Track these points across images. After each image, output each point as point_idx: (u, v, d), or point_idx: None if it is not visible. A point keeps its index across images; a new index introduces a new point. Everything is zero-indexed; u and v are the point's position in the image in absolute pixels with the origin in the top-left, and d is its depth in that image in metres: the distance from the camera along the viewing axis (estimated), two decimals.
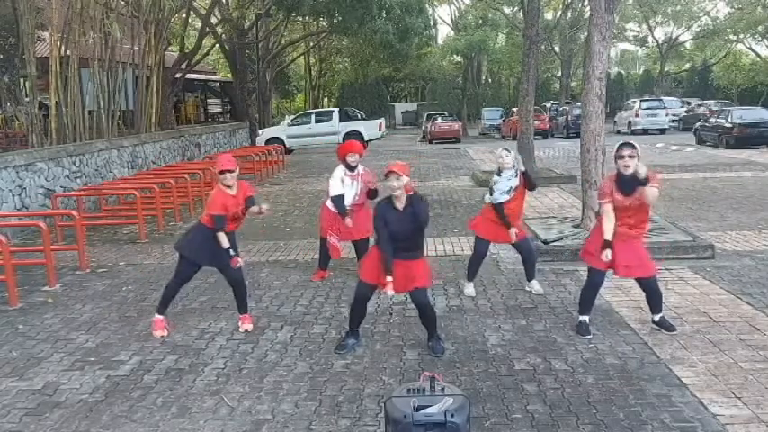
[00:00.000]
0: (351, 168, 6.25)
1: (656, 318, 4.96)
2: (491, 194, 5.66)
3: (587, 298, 4.97)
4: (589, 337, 4.82)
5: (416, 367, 4.41)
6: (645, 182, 4.44)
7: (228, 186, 5.07)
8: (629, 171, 4.51)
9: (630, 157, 4.49)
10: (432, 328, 4.72)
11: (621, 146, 4.57)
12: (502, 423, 3.67)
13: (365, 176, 6.32)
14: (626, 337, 4.84)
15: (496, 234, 5.81)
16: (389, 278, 4.37)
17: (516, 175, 5.62)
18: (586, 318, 4.97)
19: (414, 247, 4.52)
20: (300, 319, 5.51)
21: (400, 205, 4.41)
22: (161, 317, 5.24)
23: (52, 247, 7.19)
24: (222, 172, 5.06)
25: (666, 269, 6.56)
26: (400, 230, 4.39)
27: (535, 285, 6.03)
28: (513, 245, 5.93)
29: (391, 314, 5.54)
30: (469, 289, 6.01)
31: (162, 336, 5.16)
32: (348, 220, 6.27)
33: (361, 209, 6.37)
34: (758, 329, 4.87)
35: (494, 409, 3.82)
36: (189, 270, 5.23)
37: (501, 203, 5.60)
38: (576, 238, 7.45)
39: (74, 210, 8.83)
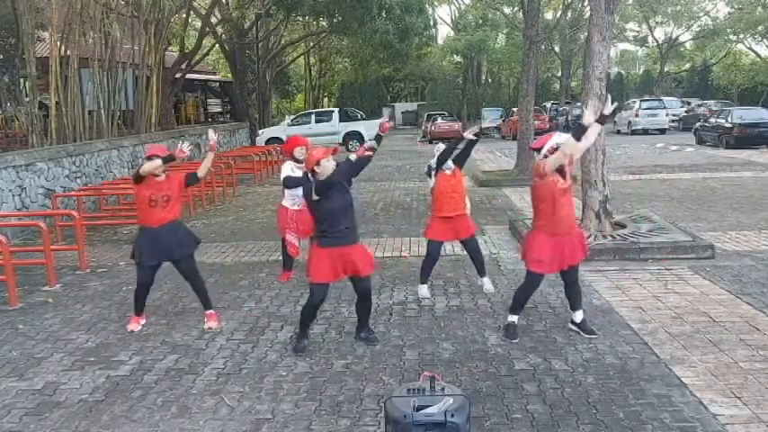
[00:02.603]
0: (298, 161, 6.27)
1: (578, 319, 4.97)
2: (430, 176, 5.82)
3: (520, 300, 4.96)
4: (516, 340, 4.81)
5: (416, 367, 4.41)
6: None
7: (156, 175, 5.15)
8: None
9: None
10: (366, 318, 4.86)
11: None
12: (502, 423, 3.67)
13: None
14: (626, 337, 4.84)
15: (446, 233, 5.84)
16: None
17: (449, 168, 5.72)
18: (515, 319, 4.98)
19: (355, 229, 4.60)
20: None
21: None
22: (137, 316, 5.41)
23: (52, 247, 7.20)
24: (149, 157, 5.13)
25: (666, 269, 6.56)
26: (346, 205, 4.49)
27: (486, 283, 6.07)
28: (461, 242, 5.97)
29: (391, 314, 5.54)
30: (423, 290, 6.01)
31: (133, 330, 5.29)
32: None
33: None
34: (758, 329, 4.87)
35: (494, 409, 3.82)
36: (147, 273, 5.26)
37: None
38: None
39: (74, 210, 8.83)
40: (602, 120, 4.60)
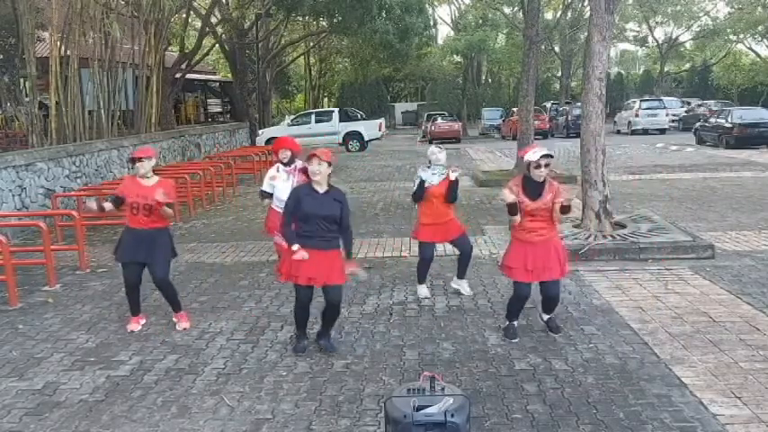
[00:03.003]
0: (285, 164, 6.31)
1: (546, 317, 5.03)
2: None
3: (514, 309, 4.96)
4: (516, 340, 4.81)
5: (416, 367, 4.41)
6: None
7: (141, 176, 5.14)
8: (542, 179, 4.62)
9: (546, 166, 4.58)
10: (330, 326, 4.80)
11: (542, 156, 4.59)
12: (502, 423, 3.67)
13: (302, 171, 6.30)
14: (626, 337, 4.84)
15: (435, 235, 5.81)
16: (295, 246, 4.37)
17: (441, 174, 5.64)
18: (515, 322, 4.98)
19: (330, 236, 4.51)
20: None
21: (320, 189, 4.48)
22: (134, 317, 5.43)
23: (52, 247, 7.20)
24: (132, 160, 5.13)
25: (666, 269, 6.56)
26: (318, 212, 4.42)
27: (464, 285, 6.05)
28: (452, 242, 5.96)
29: (391, 314, 5.54)
30: (423, 290, 6.01)
31: (133, 330, 5.30)
32: (267, 201, 6.43)
33: None
34: (758, 329, 4.87)
35: (494, 409, 3.82)
36: (126, 270, 5.24)
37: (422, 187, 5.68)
38: (575, 238, 7.45)
39: (74, 210, 8.83)
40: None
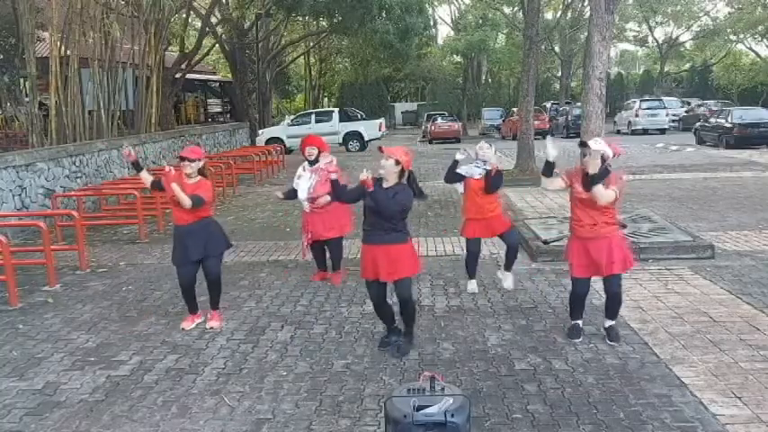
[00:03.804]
0: (310, 162, 6.29)
1: (607, 324, 4.91)
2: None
3: (572, 305, 4.97)
4: (579, 340, 4.80)
5: (416, 367, 4.41)
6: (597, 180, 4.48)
7: (188, 174, 5.15)
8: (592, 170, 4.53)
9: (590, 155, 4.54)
10: (407, 324, 4.75)
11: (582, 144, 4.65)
12: (502, 423, 3.67)
13: (327, 170, 6.26)
14: (626, 337, 4.84)
15: (476, 231, 5.87)
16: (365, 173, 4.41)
17: (484, 169, 5.71)
18: (579, 322, 4.95)
19: (392, 230, 4.48)
20: (300, 319, 5.51)
21: (386, 184, 4.48)
22: (191, 314, 5.40)
23: (52, 247, 7.19)
24: (182, 159, 5.13)
25: (667, 269, 6.56)
26: (381, 209, 4.40)
27: (508, 279, 6.08)
28: (500, 236, 5.99)
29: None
30: (472, 285, 6.08)
31: (184, 328, 5.29)
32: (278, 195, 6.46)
33: (333, 207, 6.22)
34: (758, 329, 4.87)
35: (494, 409, 3.82)
36: (180, 270, 5.24)
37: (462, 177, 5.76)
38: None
39: (74, 210, 8.83)
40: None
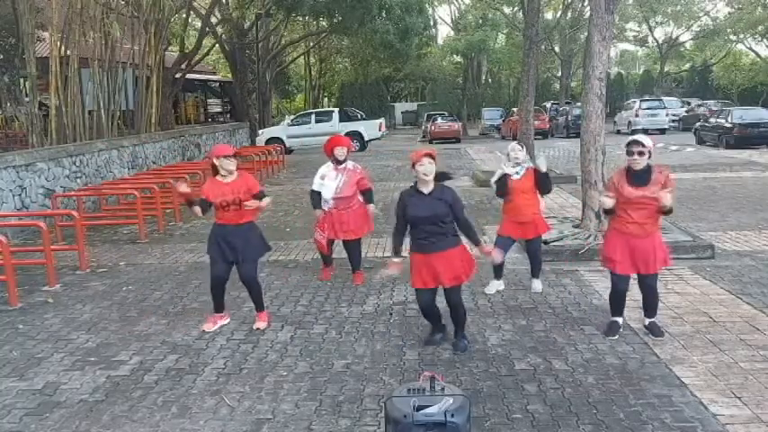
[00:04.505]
0: (338, 162, 6.27)
1: (647, 322, 4.93)
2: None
3: (614, 302, 4.96)
4: (615, 338, 4.80)
5: (416, 367, 4.41)
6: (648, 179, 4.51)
7: (223, 175, 5.13)
8: (639, 167, 4.55)
9: (640, 154, 4.53)
10: (459, 327, 4.75)
11: (630, 142, 4.61)
12: (502, 423, 3.67)
13: (355, 172, 6.29)
14: (626, 337, 4.84)
15: (512, 231, 5.88)
16: (397, 259, 4.44)
17: (523, 171, 5.68)
18: (618, 319, 4.95)
19: (447, 233, 4.42)
20: (300, 319, 5.51)
21: (426, 190, 4.39)
22: (217, 314, 5.35)
23: (52, 247, 7.19)
24: (218, 157, 5.12)
25: (667, 269, 6.55)
26: (426, 214, 4.34)
27: (536, 284, 6.09)
28: (526, 241, 6.01)
29: (391, 314, 5.54)
30: (493, 285, 6.08)
31: (205, 330, 5.24)
32: (318, 212, 6.30)
33: (353, 209, 6.30)
34: (758, 329, 4.87)
35: (494, 409, 3.82)
36: (214, 267, 5.18)
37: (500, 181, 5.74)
38: (576, 238, 7.44)
39: (74, 210, 8.83)
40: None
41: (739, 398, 3.83)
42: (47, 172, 10.41)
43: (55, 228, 8.76)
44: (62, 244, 8.53)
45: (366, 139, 24.78)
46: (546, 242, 7.38)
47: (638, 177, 4.57)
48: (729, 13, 40.86)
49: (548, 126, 28.95)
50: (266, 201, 5.19)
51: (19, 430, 3.78)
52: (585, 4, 25.72)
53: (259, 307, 5.36)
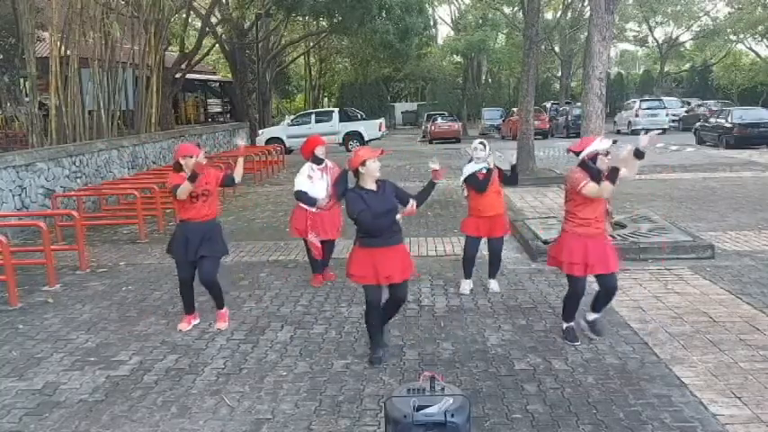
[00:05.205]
0: (320, 162, 6.26)
1: (591, 318, 4.86)
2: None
3: (573, 307, 4.87)
4: (578, 343, 4.76)
5: (416, 367, 4.41)
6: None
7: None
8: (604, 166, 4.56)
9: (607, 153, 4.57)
10: (388, 319, 4.75)
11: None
12: (502, 423, 3.67)
13: (334, 171, 6.26)
14: (626, 337, 4.84)
15: (479, 229, 5.87)
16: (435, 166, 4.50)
17: (487, 170, 5.72)
18: (573, 323, 4.90)
19: (398, 228, 4.50)
20: (300, 319, 5.51)
21: (374, 187, 4.45)
22: (187, 315, 5.37)
23: (52, 247, 7.19)
24: (183, 157, 5.09)
25: (666, 269, 6.56)
26: (386, 208, 4.39)
27: (494, 285, 6.08)
28: (489, 239, 5.98)
29: None
30: (465, 285, 6.07)
31: (182, 329, 5.25)
32: (320, 201, 6.20)
33: (335, 207, 6.29)
34: (758, 329, 4.87)
35: (494, 409, 3.82)
36: (180, 269, 5.21)
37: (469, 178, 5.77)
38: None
39: (74, 210, 8.83)
40: (638, 154, 4.56)
41: (739, 398, 3.83)
42: (47, 172, 10.41)
43: (55, 228, 8.76)
44: (62, 244, 8.53)
45: (366, 139, 24.77)
46: (546, 242, 7.38)
47: (598, 174, 4.54)
48: (729, 13, 40.86)
49: (548, 126, 28.95)
50: (239, 166, 5.46)
51: (19, 430, 3.78)
52: (585, 4, 25.72)
53: (219, 304, 5.38)
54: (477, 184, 5.72)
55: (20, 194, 9.63)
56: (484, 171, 5.72)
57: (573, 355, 4.54)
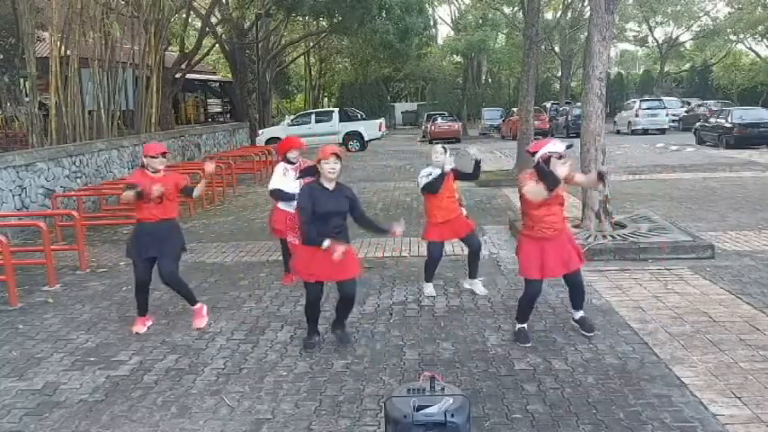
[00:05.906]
0: (291, 163, 6.29)
1: (576, 316, 4.93)
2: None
3: (527, 309, 4.88)
4: (528, 344, 4.74)
5: (416, 367, 4.41)
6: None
7: (154, 171, 5.19)
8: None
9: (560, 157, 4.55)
10: (345, 317, 4.87)
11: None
12: (502, 423, 3.67)
13: (305, 163, 6.25)
14: (626, 337, 4.84)
15: (443, 234, 5.86)
16: (327, 243, 4.35)
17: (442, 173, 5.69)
18: (526, 325, 4.89)
19: (342, 230, 4.58)
20: (300, 319, 5.49)
21: (331, 186, 4.52)
22: (143, 317, 5.38)
23: (52, 247, 7.20)
24: (146, 156, 5.16)
25: (666, 269, 6.56)
26: (333, 209, 4.48)
27: (478, 285, 6.04)
28: (462, 240, 5.97)
29: (391, 314, 5.54)
30: (429, 289, 6.04)
31: (138, 332, 5.25)
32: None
33: None
34: (758, 329, 4.87)
35: (494, 409, 3.82)
36: (136, 270, 5.22)
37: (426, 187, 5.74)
38: (576, 238, 7.43)
39: (74, 210, 8.83)
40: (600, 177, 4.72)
41: (739, 398, 3.83)
42: (47, 172, 10.41)
43: (55, 228, 8.76)
44: (62, 244, 8.53)
45: (366, 139, 24.79)
46: None
47: (549, 176, 4.53)
48: (729, 13, 40.88)
49: (548, 126, 28.95)
50: (201, 185, 5.45)
51: (19, 430, 3.77)
52: (585, 4, 25.72)
53: (192, 301, 5.38)
54: (428, 185, 5.70)
55: (20, 194, 9.63)
56: (436, 175, 5.69)
57: (573, 355, 4.54)
